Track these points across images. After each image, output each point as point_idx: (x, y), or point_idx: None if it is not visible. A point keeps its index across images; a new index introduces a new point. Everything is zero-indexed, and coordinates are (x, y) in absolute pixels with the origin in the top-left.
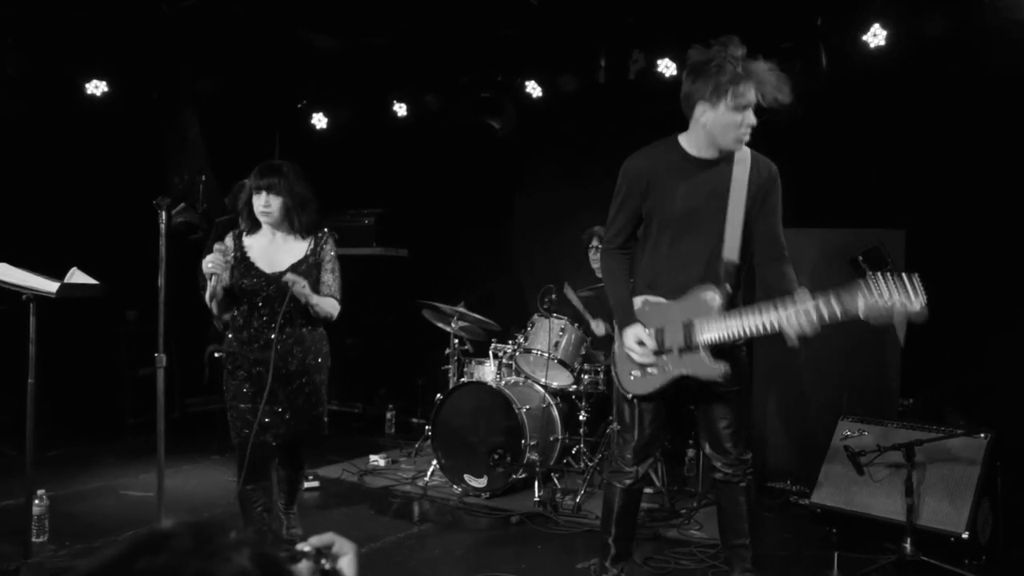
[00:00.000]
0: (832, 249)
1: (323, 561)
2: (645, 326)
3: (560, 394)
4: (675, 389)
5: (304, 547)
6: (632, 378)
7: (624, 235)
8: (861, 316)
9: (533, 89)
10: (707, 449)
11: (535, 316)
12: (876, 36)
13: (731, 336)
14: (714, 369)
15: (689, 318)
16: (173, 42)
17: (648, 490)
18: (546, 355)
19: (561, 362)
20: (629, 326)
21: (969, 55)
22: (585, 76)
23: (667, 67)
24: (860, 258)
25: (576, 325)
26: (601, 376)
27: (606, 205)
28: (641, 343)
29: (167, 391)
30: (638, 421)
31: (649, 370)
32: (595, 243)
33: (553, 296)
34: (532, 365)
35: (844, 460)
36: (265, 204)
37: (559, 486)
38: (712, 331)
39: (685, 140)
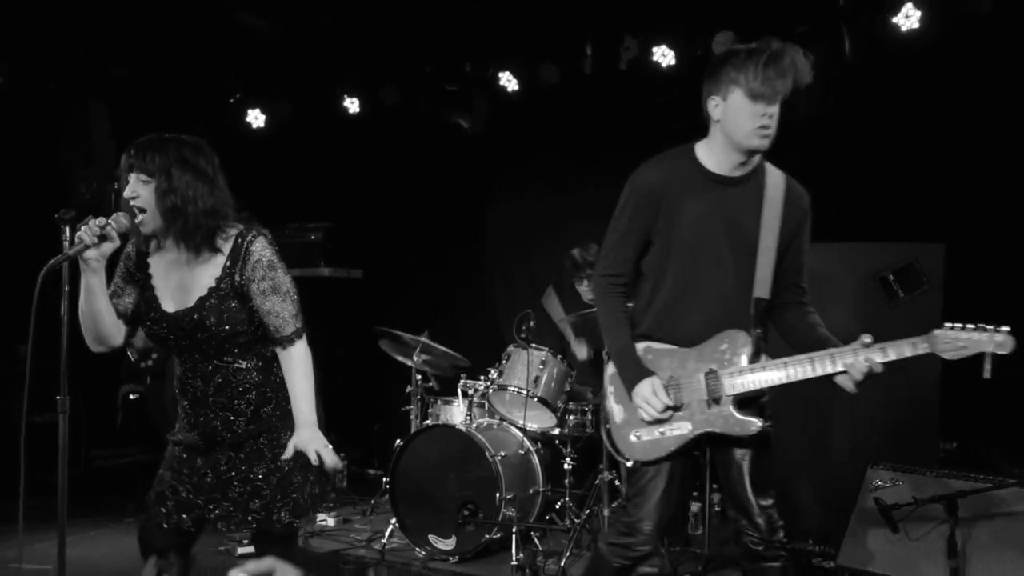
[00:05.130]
0: (858, 267)
1: None
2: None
3: (541, 439)
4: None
5: (238, 575)
6: (635, 440)
7: (628, 267)
8: (938, 351)
9: (508, 81)
10: (731, 513)
11: (511, 347)
12: (909, 17)
13: (769, 387)
14: (747, 424)
15: (711, 367)
16: (75, 19)
17: None
18: (524, 393)
19: (542, 401)
20: (642, 380)
21: (1020, 38)
22: (569, 66)
23: (664, 55)
24: (891, 277)
25: (559, 357)
26: (589, 417)
27: (595, 216)
28: (654, 398)
29: (71, 441)
30: (661, 484)
31: (659, 431)
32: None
33: (532, 323)
34: (508, 405)
35: (875, 515)
36: (132, 193)
37: (540, 547)
38: (744, 381)
39: (703, 150)
